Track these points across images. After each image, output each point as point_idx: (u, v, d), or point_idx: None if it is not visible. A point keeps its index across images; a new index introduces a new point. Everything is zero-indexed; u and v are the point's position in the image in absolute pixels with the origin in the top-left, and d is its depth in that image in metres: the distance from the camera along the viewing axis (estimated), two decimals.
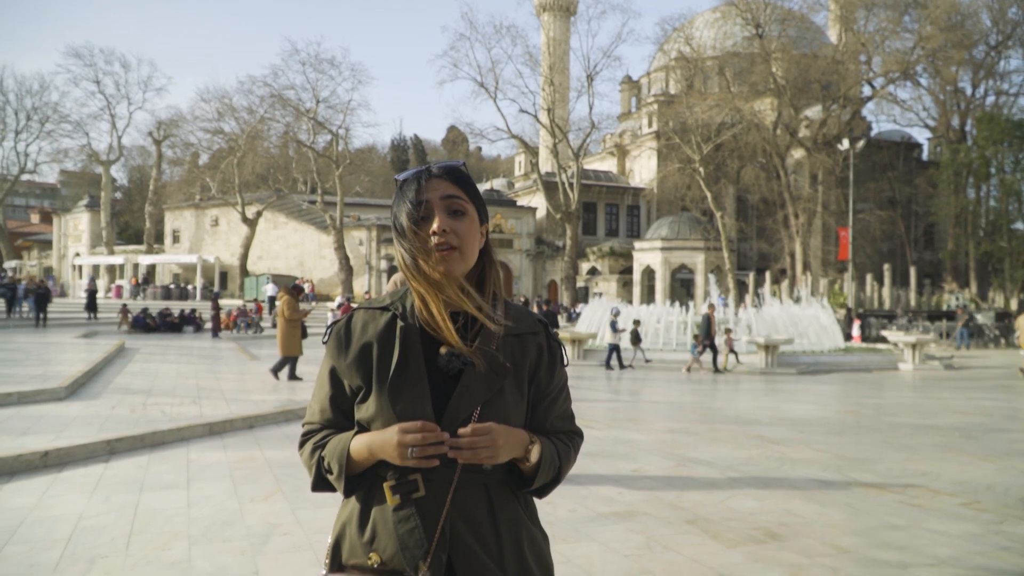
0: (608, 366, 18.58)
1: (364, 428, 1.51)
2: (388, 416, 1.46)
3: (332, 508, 1.60)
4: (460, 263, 1.52)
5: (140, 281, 48.14)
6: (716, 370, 18.53)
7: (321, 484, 1.56)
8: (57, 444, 6.83)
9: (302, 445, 1.59)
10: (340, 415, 1.57)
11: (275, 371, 12.82)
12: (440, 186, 1.54)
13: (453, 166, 1.59)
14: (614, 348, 18.62)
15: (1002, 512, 5.58)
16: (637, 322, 20.45)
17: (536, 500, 1.64)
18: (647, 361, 19.94)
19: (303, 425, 1.62)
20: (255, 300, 36.54)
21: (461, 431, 1.42)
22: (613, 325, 18.81)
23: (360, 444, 1.48)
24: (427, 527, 1.43)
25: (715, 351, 18.56)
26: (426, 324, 1.52)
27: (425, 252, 1.50)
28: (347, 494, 1.54)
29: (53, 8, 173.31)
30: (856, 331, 27.94)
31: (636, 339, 19.71)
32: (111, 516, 5.11)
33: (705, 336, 18.50)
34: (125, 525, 4.91)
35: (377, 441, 1.45)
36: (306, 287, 43.30)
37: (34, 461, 6.43)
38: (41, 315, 26.42)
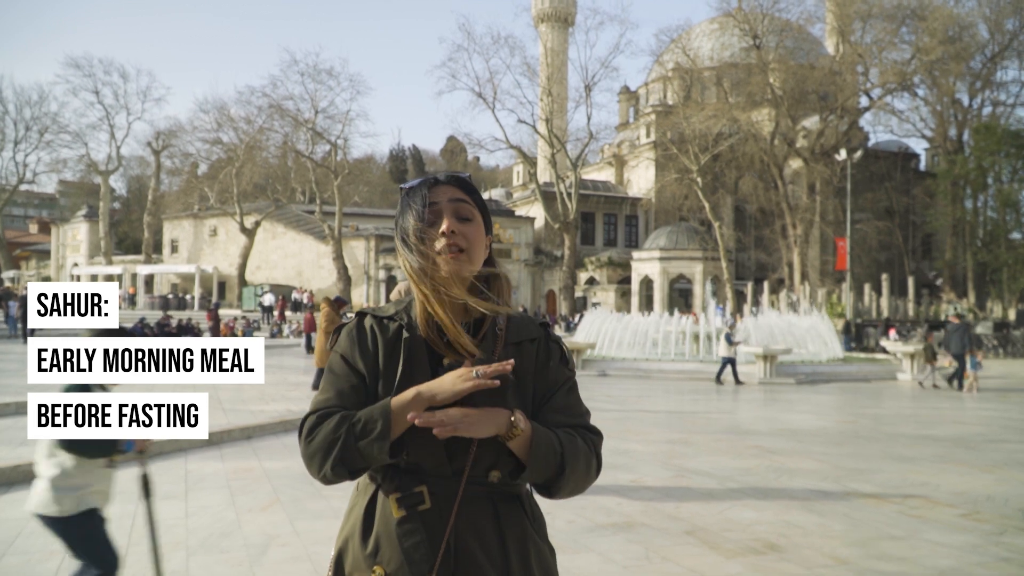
0: (719, 380, 17.56)
1: None
2: None
3: (330, 519, 1.60)
4: (468, 265, 1.53)
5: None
6: (953, 385, 17.14)
7: (347, 458, 1.41)
8: None
9: (318, 423, 1.45)
10: (359, 398, 1.49)
11: (316, 387, 12.76)
12: (448, 191, 1.56)
13: (460, 175, 1.61)
14: (728, 361, 17.52)
15: (1002, 523, 5.57)
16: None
17: (540, 508, 1.62)
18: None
19: (311, 413, 1.48)
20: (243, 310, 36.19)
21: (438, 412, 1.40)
22: (728, 337, 17.63)
23: (405, 394, 1.43)
24: (432, 540, 1.42)
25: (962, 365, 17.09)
26: (427, 330, 1.52)
27: (433, 253, 1.51)
28: (391, 455, 1.42)
29: (51, 18, 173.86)
30: (894, 339, 26.99)
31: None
32: (108, 526, 5.08)
33: (965, 347, 16.89)
34: (122, 536, 4.88)
35: (431, 384, 1.43)
36: (304, 297, 43.29)
37: (32, 472, 6.39)
38: (24, 327, 22.27)
